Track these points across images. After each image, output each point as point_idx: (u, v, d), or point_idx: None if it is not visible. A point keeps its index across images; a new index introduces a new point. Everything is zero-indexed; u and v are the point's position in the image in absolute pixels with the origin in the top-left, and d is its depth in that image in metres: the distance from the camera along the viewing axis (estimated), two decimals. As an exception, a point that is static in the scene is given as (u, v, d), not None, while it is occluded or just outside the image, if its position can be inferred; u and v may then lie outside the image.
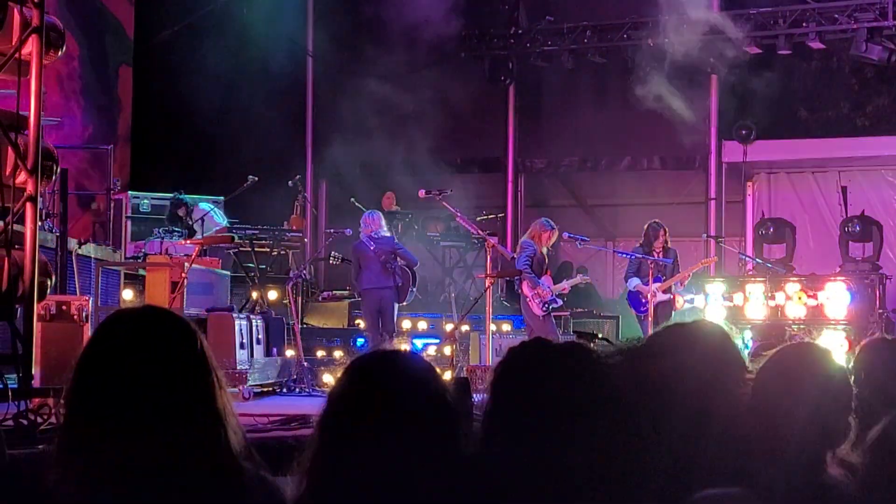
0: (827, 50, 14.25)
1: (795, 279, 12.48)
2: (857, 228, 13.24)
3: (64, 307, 6.62)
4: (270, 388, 10.19)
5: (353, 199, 14.03)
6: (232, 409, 2.15)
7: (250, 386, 9.39)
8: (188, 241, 10.91)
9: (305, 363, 10.56)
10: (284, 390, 10.32)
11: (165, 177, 13.88)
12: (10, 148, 5.73)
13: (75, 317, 6.62)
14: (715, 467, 2.44)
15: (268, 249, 13.44)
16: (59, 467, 2.05)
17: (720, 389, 2.57)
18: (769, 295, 12.19)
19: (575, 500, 2.08)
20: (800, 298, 12.13)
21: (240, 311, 10.46)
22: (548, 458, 2.07)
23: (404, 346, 9.93)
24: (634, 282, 11.47)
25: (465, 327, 11.74)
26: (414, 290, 11.51)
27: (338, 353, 11.83)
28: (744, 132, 14.66)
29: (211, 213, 12.65)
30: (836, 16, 13.59)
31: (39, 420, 5.20)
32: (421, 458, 2.04)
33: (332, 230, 13.77)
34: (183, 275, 9.11)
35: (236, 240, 11.93)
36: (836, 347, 10.41)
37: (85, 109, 14.56)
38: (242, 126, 15.14)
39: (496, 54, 15.54)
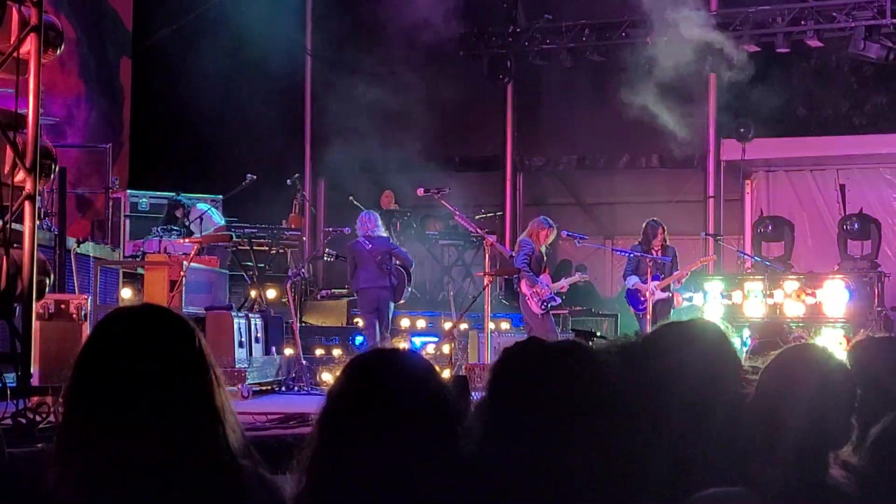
0: (825, 48, 14.25)
1: (794, 277, 12.49)
2: (856, 226, 13.25)
3: (63, 306, 6.62)
4: (269, 387, 10.20)
5: (351, 198, 14.03)
6: (230, 406, 2.16)
7: (249, 384, 9.39)
8: (187, 240, 10.91)
9: (304, 361, 10.58)
10: (283, 389, 10.33)
11: (164, 176, 13.88)
12: (8, 147, 5.72)
13: (74, 315, 6.62)
14: (714, 467, 2.43)
15: (266, 248, 13.44)
16: (58, 466, 2.05)
17: (718, 388, 2.57)
18: (768, 293, 12.20)
19: (574, 500, 2.08)
20: (798, 296, 12.15)
21: (238, 310, 10.47)
22: (545, 457, 2.07)
23: (403, 345, 9.94)
24: (633, 280, 11.47)
25: (463, 326, 11.74)
26: (409, 289, 11.56)
27: (336, 352, 11.84)
28: (742, 130, 14.66)
29: (209, 212, 12.64)
30: (835, 14, 13.59)
31: (38, 419, 5.20)
32: (420, 457, 2.04)
33: (330, 229, 13.76)
34: (181, 273, 9.11)
35: (234, 238, 11.93)
36: (835, 346, 10.41)
37: (88, 97, 14.58)
38: (241, 125, 15.13)
39: (494, 53, 15.54)
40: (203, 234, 11.87)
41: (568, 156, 16.34)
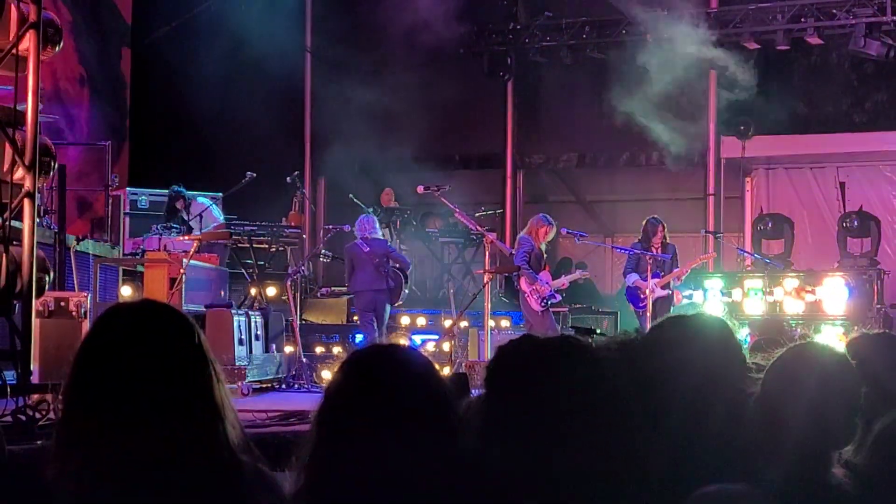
0: (825, 46, 14.24)
1: (794, 275, 12.50)
2: (856, 224, 13.26)
3: (62, 303, 6.61)
4: (269, 385, 10.20)
5: (351, 196, 14.03)
6: (230, 403, 2.15)
7: (249, 382, 9.39)
8: (186, 238, 10.91)
9: (304, 359, 10.58)
10: (283, 386, 10.34)
11: (164, 173, 13.87)
12: (7, 144, 5.72)
13: (73, 313, 6.61)
14: (716, 464, 2.43)
15: (266, 246, 13.42)
16: (57, 462, 2.05)
17: (720, 385, 2.56)
18: (767, 290, 12.20)
19: (572, 498, 2.07)
20: (798, 294, 12.15)
21: (238, 308, 10.46)
22: (542, 454, 2.06)
23: (404, 342, 9.95)
24: (633, 277, 11.47)
25: (463, 323, 11.75)
26: (406, 291, 11.63)
27: (336, 350, 11.84)
28: (742, 128, 14.66)
29: (210, 208, 12.63)
30: (835, 11, 13.58)
31: (38, 416, 5.20)
32: (418, 454, 2.03)
33: (330, 226, 13.75)
34: (181, 271, 9.11)
35: (234, 236, 11.92)
36: (835, 343, 10.41)
37: (90, 84, 14.58)
38: (241, 122, 15.12)
39: (495, 50, 15.53)
40: (203, 230, 11.87)
41: (568, 153, 16.34)
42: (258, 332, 10.22)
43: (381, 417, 2.05)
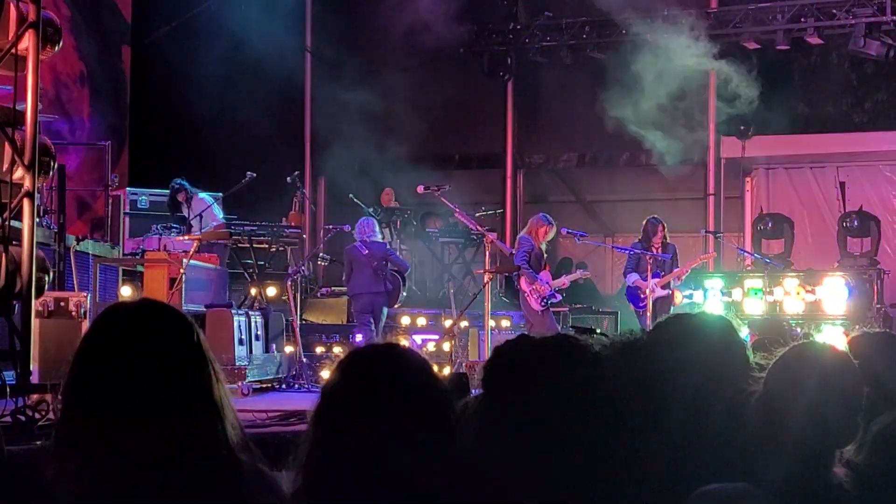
0: (825, 45, 14.24)
1: (794, 274, 12.50)
2: (856, 224, 13.26)
3: (62, 303, 6.60)
4: (269, 385, 10.19)
5: (351, 196, 14.03)
6: (229, 402, 2.15)
7: (249, 382, 9.39)
8: (186, 238, 10.90)
9: (304, 359, 10.57)
10: (283, 386, 10.33)
11: (164, 173, 13.85)
12: (6, 143, 5.71)
13: (73, 313, 6.61)
14: (717, 464, 2.42)
15: (266, 246, 13.41)
16: (56, 461, 2.04)
17: (720, 384, 2.55)
18: (767, 290, 12.20)
19: (571, 497, 2.06)
20: (798, 294, 12.15)
21: (238, 308, 10.46)
22: (540, 453, 2.06)
23: (405, 343, 9.94)
24: (633, 277, 11.48)
25: (464, 323, 11.75)
26: (404, 293, 11.69)
27: (337, 350, 11.82)
28: (742, 128, 14.66)
29: (212, 206, 12.64)
30: (835, 11, 13.58)
31: (37, 416, 5.20)
32: (415, 454, 2.03)
33: (330, 226, 13.74)
34: (181, 271, 9.10)
35: (234, 236, 11.91)
36: (837, 342, 10.41)
37: (91, 87, 14.58)
38: (241, 122, 15.12)
39: (495, 50, 15.52)
40: (204, 228, 11.88)
41: (568, 153, 16.33)
42: (258, 332, 10.21)
43: (378, 417, 2.05)
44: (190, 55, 14.33)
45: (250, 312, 10.28)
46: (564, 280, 11.30)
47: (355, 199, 13.91)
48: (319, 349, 11.81)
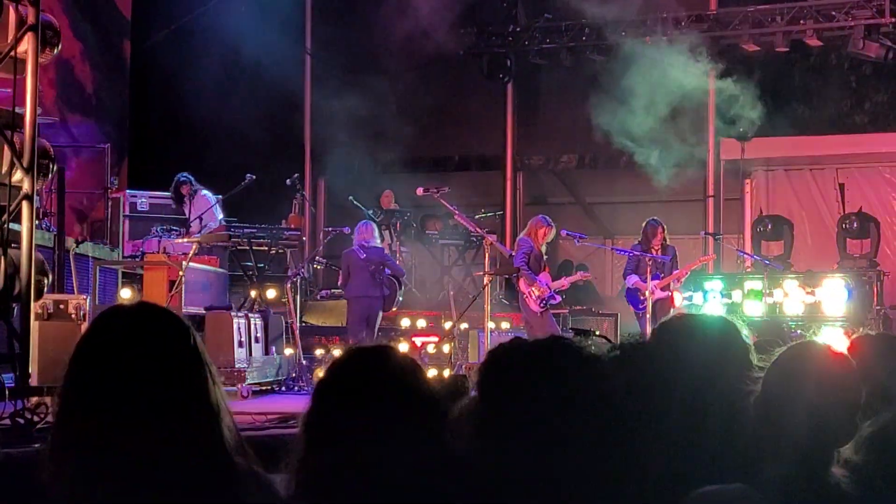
0: (824, 47, 14.24)
1: (793, 276, 12.50)
2: (855, 225, 13.26)
3: (61, 306, 6.61)
4: (269, 387, 10.19)
5: (351, 198, 14.03)
6: (226, 405, 2.15)
7: (249, 384, 9.39)
8: (185, 240, 10.91)
9: (304, 361, 10.57)
10: (283, 388, 10.33)
11: (163, 176, 13.86)
12: (6, 146, 5.72)
13: (73, 316, 6.61)
14: (715, 465, 2.42)
15: (266, 248, 13.42)
16: (52, 463, 2.04)
17: (720, 384, 2.55)
18: (767, 292, 12.20)
19: (569, 499, 2.06)
20: (798, 295, 12.15)
21: (238, 310, 10.46)
22: (535, 457, 2.05)
23: (405, 346, 9.96)
24: (633, 279, 11.47)
25: (463, 325, 11.74)
26: (400, 298, 11.73)
27: (336, 352, 11.81)
28: (741, 129, 14.65)
29: (214, 206, 12.67)
30: (834, 13, 13.57)
31: (36, 419, 5.19)
32: (404, 456, 2.03)
33: (330, 229, 13.75)
34: (180, 273, 9.10)
35: (234, 238, 11.92)
36: (837, 342, 10.41)
37: (90, 88, 14.59)
38: (241, 124, 15.12)
39: (494, 52, 15.52)
40: (204, 227, 11.89)
41: (568, 155, 16.33)
42: (258, 335, 10.21)
43: (367, 420, 2.05)
44: (190, 58, 14.34)
45: (250, 315, 10.28)
46: (564, 281, 11.30)
47: (355, 202, 13.91)
48: (319, 351, 11.79)
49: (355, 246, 11.43)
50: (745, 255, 13.42)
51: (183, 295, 9.30)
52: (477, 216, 13.71)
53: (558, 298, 11.10)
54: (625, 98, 13.47)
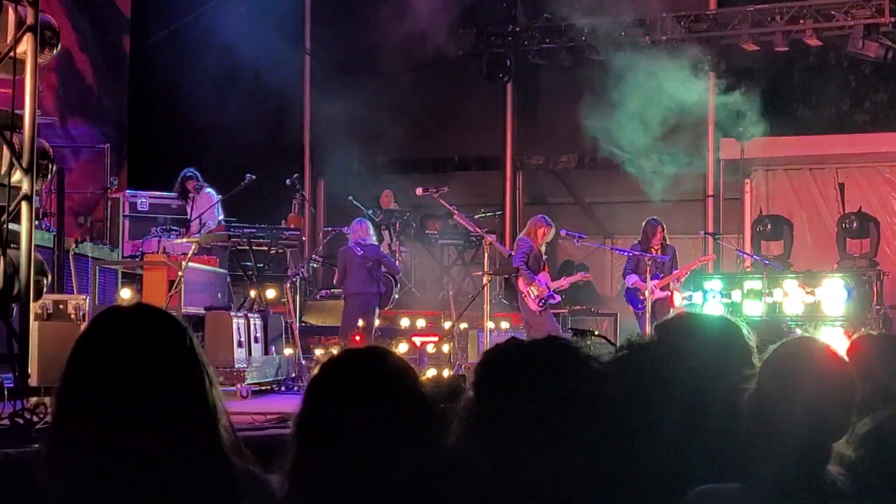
0: (824, 47, 14.24)
1: (793, 276, 12.50)
2: (855, 225, 13.26)
3: (61, 306, 6.61)
4: (268, 387, 10.19)
5: (351, 198, 14.03)
6: (223, 405, 2.15)
7: (248, 384, 9.38)
8: (185, 240, 10.91)
9: (303, 361, 10.57)
10: (282, 388, 10.33)
11: (163, 175, 13.87)
12: (5, 147, 5.72)
13: (72, 316, 6.61)
14: (715, 465, 2.42)
15: (266, 248, 13.42)
16: (49, 463, 2.05)
17: (718, 383, 2.55)
18: (767, 292, 12.20)
19: (567, 500, 2.06)
20: (797, 295, 12.15)
21: (238, 310, 10.46)
22: (530, 457, 2.04)
23: (405, 346, 9.95)
24: (632, 279, 11.47)
25: (463, 325, 11.74)
26: (396, 296, 11.77)
27: (336, 352, 11.81)
28: (741, 129, 14.65)
29: (217, 206, 12.68)
30: (833, 13, 13.58)
31: (35, 419, 5.20)
32: (396, 457, 2.03)
33: (329, 228, 13.76)
34: (180, 273, 9.10)
35: (233, 238, 11.92)
36: (837, 341, 10.41)
37: (90, 88, 14.59)
38: (240, 125, 15.13)
39: (494, 52, 15.52)
40: (204, 225, 11.90)
41: (567, 155, 16.32)
42: (257, 335, 10.21)
43: (358, 421, 2.05)
44: (189, 58, 14.34)
45: (249, 315, 10.28)
46: (564, 281, 11.30)
47: (354, 202, 13.91)
48: (319, 351, 11.80)
49: (351, 243, 11.47)
50: (745, 255, 13.42)
51: (182, 295, 9.30)
52: (476, 216, 13.71)
53: (557, 298, 11.09)
54: (625, 98, 13.46)
